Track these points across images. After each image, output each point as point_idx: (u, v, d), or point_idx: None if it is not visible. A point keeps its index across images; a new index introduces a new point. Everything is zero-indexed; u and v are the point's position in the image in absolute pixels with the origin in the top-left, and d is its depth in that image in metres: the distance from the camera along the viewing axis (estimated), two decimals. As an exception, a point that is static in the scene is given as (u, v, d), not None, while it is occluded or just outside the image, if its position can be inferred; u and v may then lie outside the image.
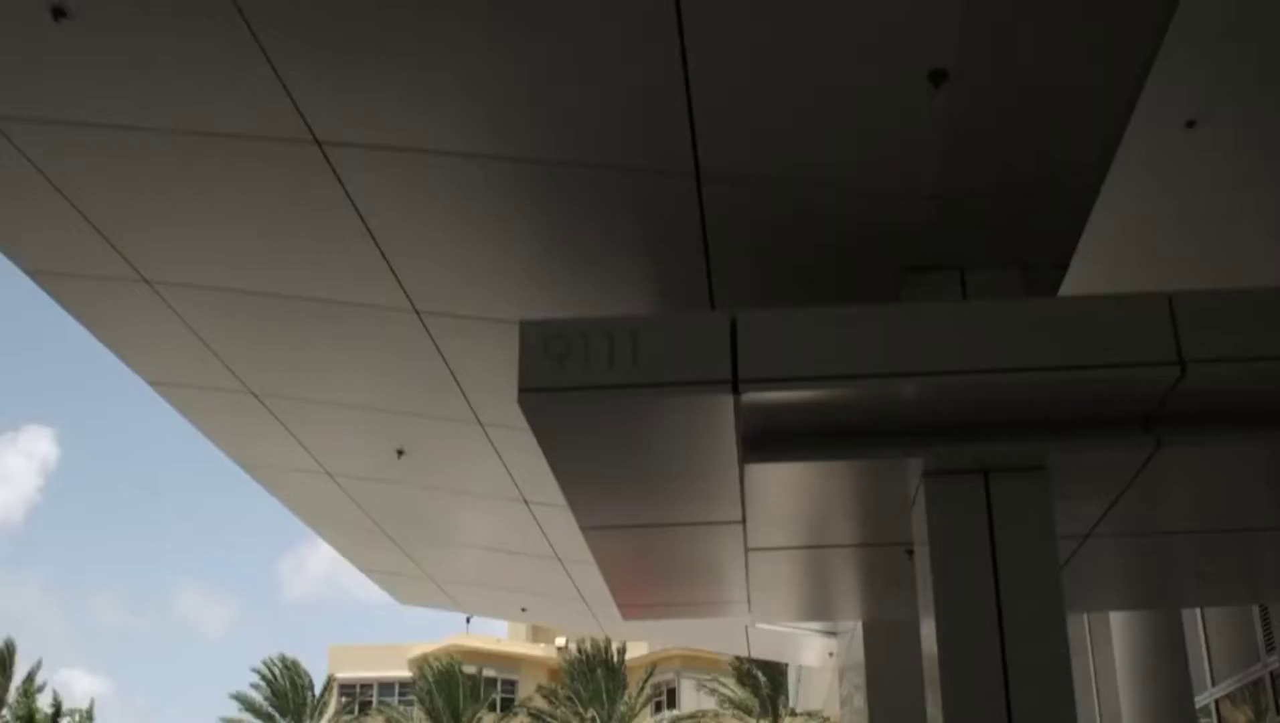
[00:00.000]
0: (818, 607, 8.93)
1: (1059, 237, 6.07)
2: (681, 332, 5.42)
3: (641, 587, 8.18)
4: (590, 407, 5.40)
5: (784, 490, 6.24)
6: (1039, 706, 5.51)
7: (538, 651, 61.34)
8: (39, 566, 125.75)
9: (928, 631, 5.97)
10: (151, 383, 9.95)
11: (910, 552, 6.94)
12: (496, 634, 65.10)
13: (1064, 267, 6.28)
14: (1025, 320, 5.38)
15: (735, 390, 5.27)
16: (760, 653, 16.02)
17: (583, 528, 6.90)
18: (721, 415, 5.38)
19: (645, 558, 7.51)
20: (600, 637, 52.03)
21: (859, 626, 10.16)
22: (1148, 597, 9.88)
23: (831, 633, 14.25)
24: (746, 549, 7.01)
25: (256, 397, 9.68)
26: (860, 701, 10.34)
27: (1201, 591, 9.09)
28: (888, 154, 5.62)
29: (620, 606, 8.59)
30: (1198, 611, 14.83)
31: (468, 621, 67.27)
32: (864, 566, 7.55)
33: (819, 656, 15.47)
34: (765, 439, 5.67)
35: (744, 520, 6.63)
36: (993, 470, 5.84)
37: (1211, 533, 7.00)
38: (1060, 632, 5.66)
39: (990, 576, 5.74)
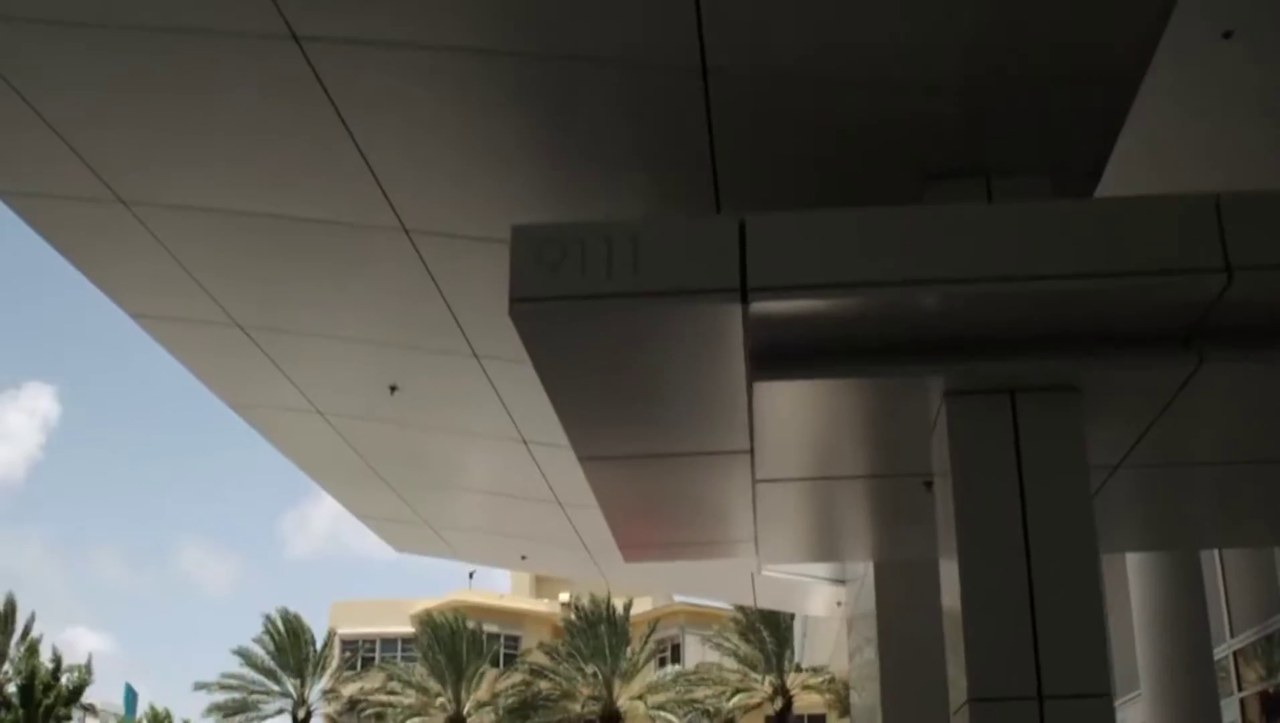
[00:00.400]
0: (828, 546, 8.53)
1: (1093, 140, 5.62)
2: (686, 236, 5.00)
3: (644, 525, 7.78)
4: (587, 318, 4.99)
5: (794, 414, 5.81)
6: (1070, 651, 5.10)
7: (541, 606, 61.22)
8: (41, 523, 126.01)
9: (948, 570, 5.56)
10: (135, 316, 9.55)
11: (929, 484, 6.53)
12: (500, 590, 65.11)
13: (1097, 175, 5.84)
14: (1057, 223, 4.95)
15: (744, 299, 4.85)
16: (766, 603, 15.64)
17: (581, 460, 6.50)
18: (729, 327, 4.97)
19: (647, 493, 7.11)
20: (603, 592, 51.90)
21: (869, 572, 9.78)
22: (1172, 537, 9.48)
23: (840, 581, 13.87)
24: (754, 481, 6.60)
25: (243, 330, 9.28)
26: (871, 652, 9.95)
27: (1230, 531, 8.70)
28: (911, 44, 5.17)
29: (621, 546, 8.21)
30: (1217, 563, 14.50)
31: (470, 576, 67.33)
32: (878, 499, 7.14)
33: (826, 605, 15.07)
34: (775, 355, 5.25)
35: (752, 450, 6.22)
36: (1020, 391, 5.41)
37: (1251, 465, 6.57)
38: (1093, 569, 5.26)
39: (1017, 507, 5.31)
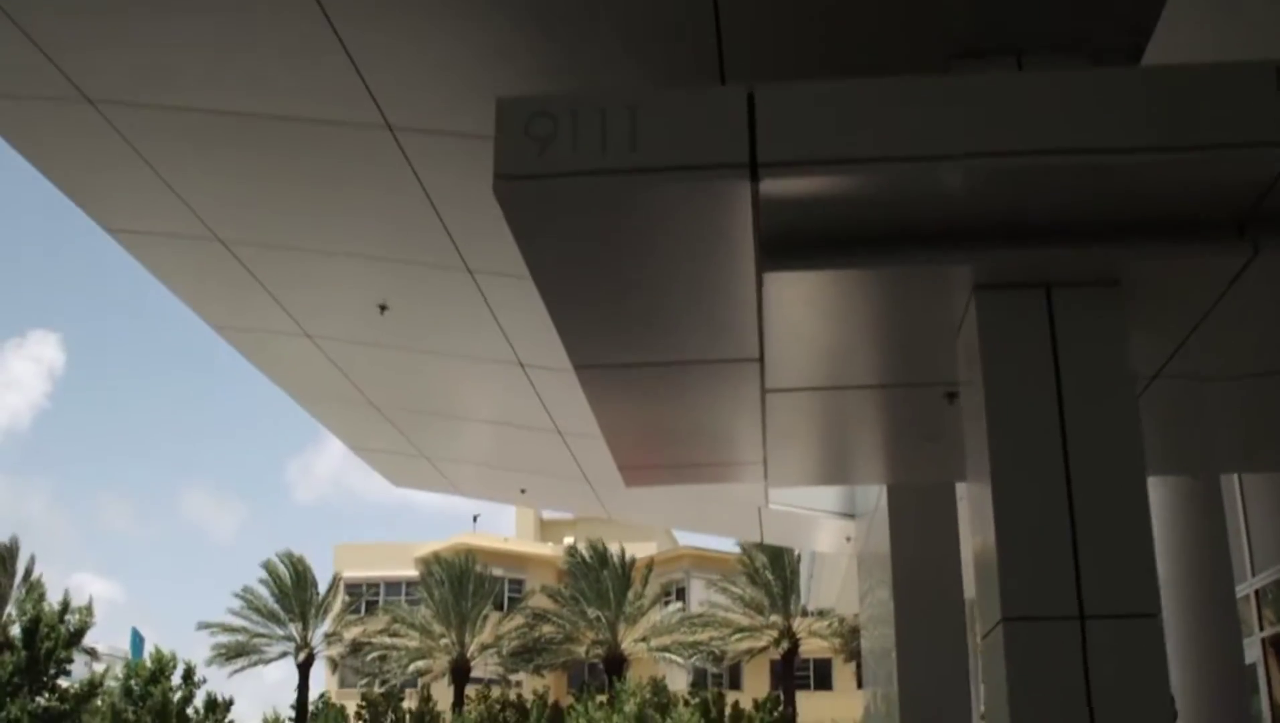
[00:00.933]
0: (840, 468, 8.06)
1: (1135, 12, 5.12)
2: (689, 108, 4.50)
3: (645, 445, 7.33)
4: (580, 197, 4.51)
5: (808, 312, 5.33)
6: (1115, 567, 4.64)
7: (546, 550, 61.07)
8: (47, 472, 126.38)
9: (977, 485, 5.09)
10: (111, 230, 9.09)
11: (951, 395, 6.07)
12: (504, 534, 64.96)
13: (1139, 53, 5.33)
14: (1100, 92, 4.43)
15: (753, 176, 4.36)
16: (773, 539, 15.23)
17: (577, 370, 6.03)
18: (736, 208, 4.48)
19: (648, 407, 6.65)
20: (608, 535, 51.69)
21: (882, 502, 9.33)
22: (1200, 461, 9.03)
23: (849, 516, 13.46)
24: (763, 391, 6.13)
25: (225, 245, 8.82)
26: (884, 592, 9.47)
27: (1266, 453, 8.25)
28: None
29: (622, 468, 7.77)
30: (1238, 499, 14.08)
31: (475, 520, 67.21)
32: (896, 412, 6.66)
33: (835, 541, 14.66)
34: (788, 243, 4.76)
35: (761, 357, 5.75)
36: (1057, 285, 4.92)
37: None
38: (1139, 478, 4.78)
39: (1054, 414, 4.84)
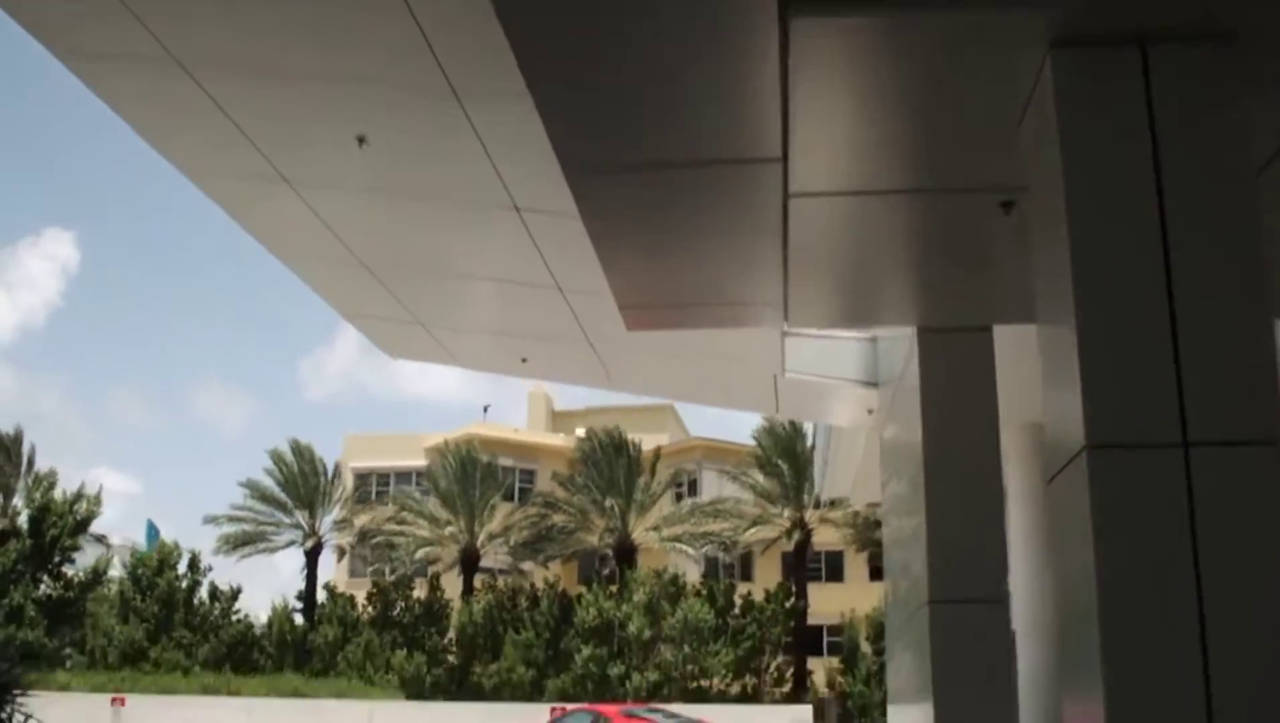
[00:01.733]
0: (868, 304, 7.17)
1: None
2: None
3: (649, 276, 6.46)
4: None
5: (839, 89, 4.39)
6: (1226, 388, 3.76)
7: (557, 441, 60.50)
8: (62, 369, 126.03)
9: (1050, 304, 4.19)
10: (64, 56, 8.16)
11: (1008, 204, 5.16)
12: (515, 424, 64.48)
13: None
14: None
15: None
16: (789, 412, 14.37)
17: (575, 178, 5.14)
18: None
19: (654, 229, 5.76)
20: (620, 419, 51.13)
21: (913, 359, 8.42)
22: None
23: (871, 384, 12.60)
24: (785, 197, 5.19)
25: (183, 67, 7.88)
26: (914, 468, 8.48)
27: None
28: None
29: (624, 309, 6.93)
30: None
31: (485, 410, 66.70)
32: (938, 228, 5.72)
33: (855, 413, 13.75)
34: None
35: (785, 155, 4.83)
36: (1155, 40, 3.98)
37: None
38: (1257, 292, 3.88)
39: (1154, 218, 3.93)
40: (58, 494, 47.58)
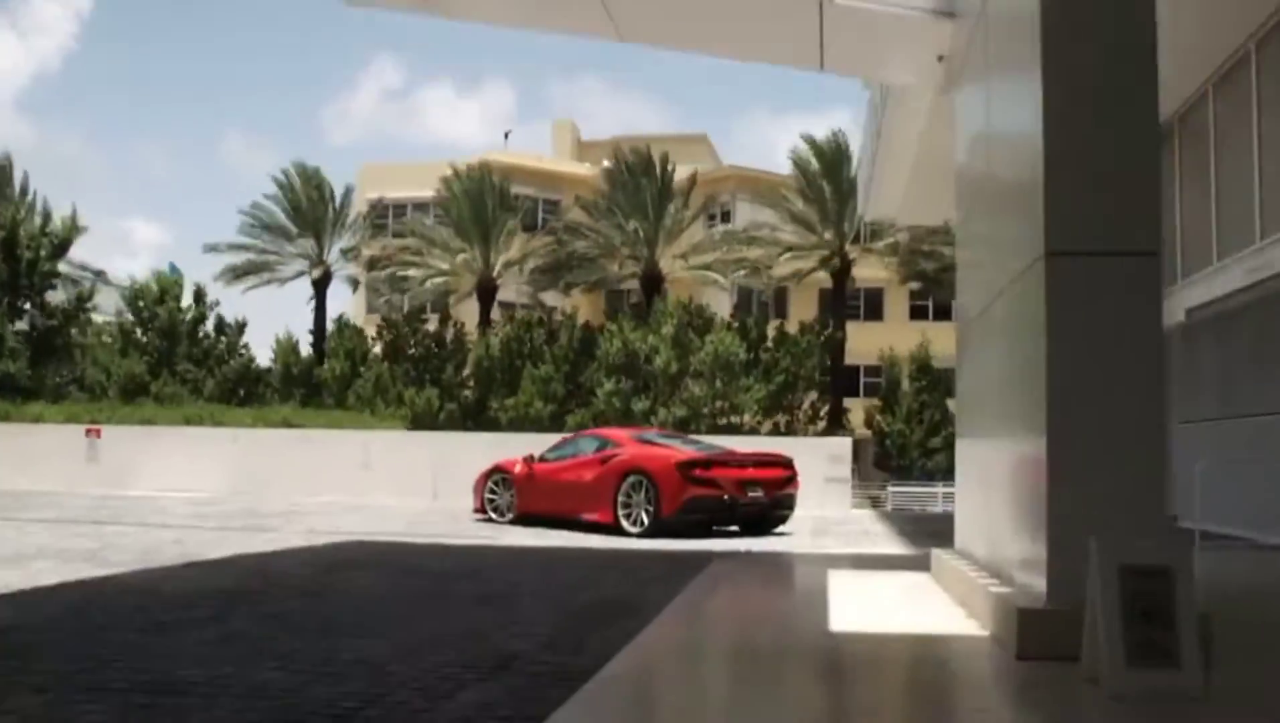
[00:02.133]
0: None
1: None
2: None
3: None
4: None
5: None
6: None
7: (583, 170, 57.05)
8: (80, 115, 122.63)
9: None
10: None
11: None
12: (539, 151, 61.10)
13: None
14: None
15: None
16: (836, 63, 11.03)
17: None
18: None
19: None
20: (648, 149, 47.61)
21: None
22: None
23: (946, 14, 9.28)
24: None
25: None
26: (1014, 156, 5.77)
27: None
28: None
29: None
30: None
31: (505, 136, 63.23)
32: None
33: (921, 62, 10.37)
34: None
35: None
36: None
37: None
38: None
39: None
40: (38, 217, 44.50)
